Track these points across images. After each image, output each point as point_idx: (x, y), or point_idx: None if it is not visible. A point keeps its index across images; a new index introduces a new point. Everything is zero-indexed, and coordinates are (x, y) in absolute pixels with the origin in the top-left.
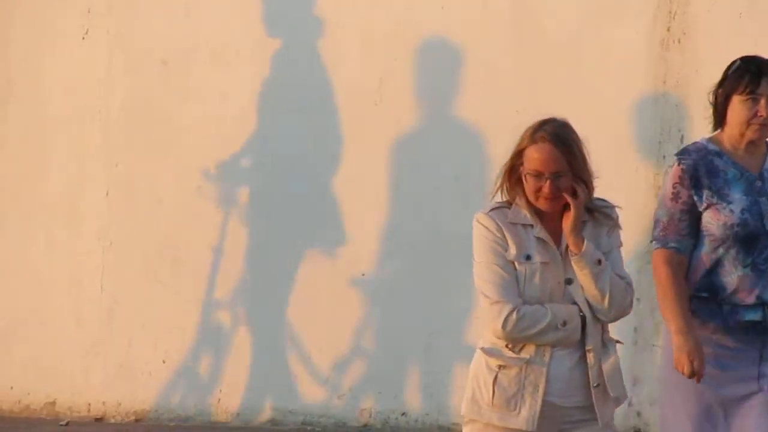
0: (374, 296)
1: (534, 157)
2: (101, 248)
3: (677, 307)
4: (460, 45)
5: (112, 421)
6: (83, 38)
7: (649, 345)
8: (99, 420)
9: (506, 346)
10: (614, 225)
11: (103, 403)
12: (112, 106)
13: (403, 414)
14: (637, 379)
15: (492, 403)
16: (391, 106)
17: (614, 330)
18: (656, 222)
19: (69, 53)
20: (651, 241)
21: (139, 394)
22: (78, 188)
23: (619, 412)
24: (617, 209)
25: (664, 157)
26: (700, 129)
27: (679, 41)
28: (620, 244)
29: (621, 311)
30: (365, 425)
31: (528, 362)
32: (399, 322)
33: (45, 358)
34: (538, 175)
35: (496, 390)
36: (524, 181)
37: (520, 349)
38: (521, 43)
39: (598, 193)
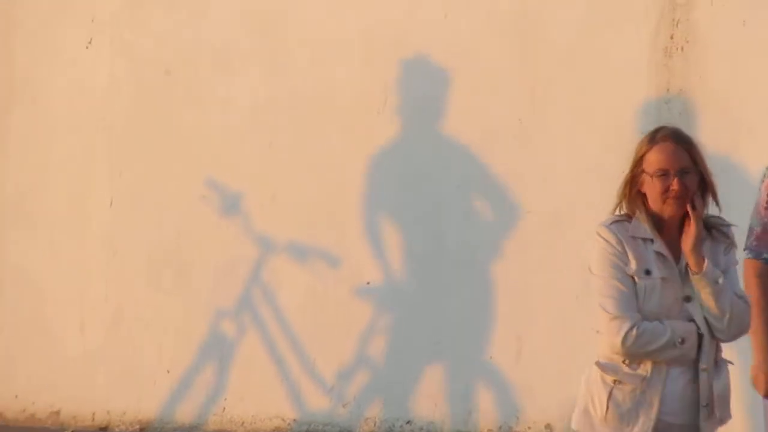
0: (379, 305)
1: (658, 158)
2: (106, 257)
3: (762, 324)
4: (463, 53)
5: (117, 430)
6: (87, 47)
7: None
8: (103, 429)
9: (623, 361)
10: (731, 243)
11: (108, 412)
12: (116, 115)
13: (408, 422)
14: None
15: (605, 418)
16: (393, 114)
17: None
18: (750, 230)
19: (73, 62)
20: (744, 249)
21: (144, 403)
22: (82, 197)
23: None
24: (733, 227)
25: None
26: (704, 137)
27: (682, 49)
28: (736, 263)
29: (740, 330)
30: None
31: (644, 379)
32: (404, 331)
33: (49, 367)
34: (665, 174)
35: (610, 405)
36: (648, 187)
37: (638, 366)
38: (524, 51)
39: (599, 200)
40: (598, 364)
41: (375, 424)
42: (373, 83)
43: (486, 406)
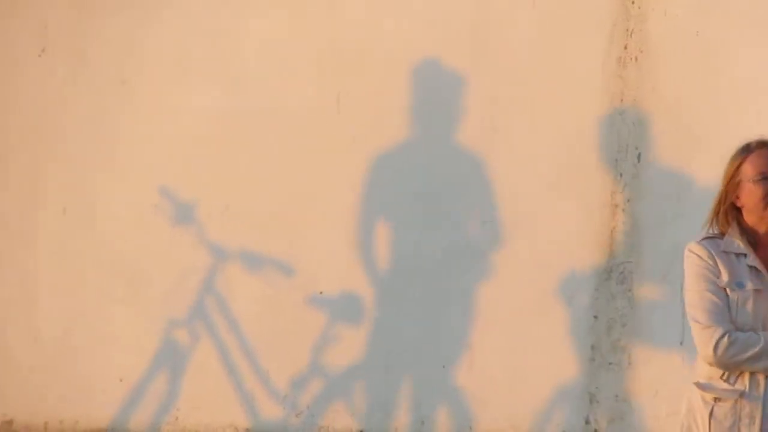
0: (332, 314)
1: (758, 162)
2: (58, 266)
3: None
4: (419, 64)
5: None
6: (39, 55)
7: (606, 363)
8: None
9: (721, 377)
10: None
11: (61, 421)
12: (70, 124)
13: (360, 431)
14: (593, 397)
15: None
16: (347, 124)
17: (567, 347)
18: None
19: (25, 70)
20: None
21: (97, 413)
22: (35, 206)
23: (576, 430)
24: None
25: (621, 174)
26: (657, 147)
27: (636, 59)
28: None
29: None
30: None
31: (743, 394)
32: (357, 340)
33: (2, 377)
34: (766, 178)
35: (712, 423)
36: (747, 195)
37: (735, 381)
38: (480, 59)
39: (554, 210)
40: (697, 384)
41: None
42: (327, 93)
43: (439, 416)
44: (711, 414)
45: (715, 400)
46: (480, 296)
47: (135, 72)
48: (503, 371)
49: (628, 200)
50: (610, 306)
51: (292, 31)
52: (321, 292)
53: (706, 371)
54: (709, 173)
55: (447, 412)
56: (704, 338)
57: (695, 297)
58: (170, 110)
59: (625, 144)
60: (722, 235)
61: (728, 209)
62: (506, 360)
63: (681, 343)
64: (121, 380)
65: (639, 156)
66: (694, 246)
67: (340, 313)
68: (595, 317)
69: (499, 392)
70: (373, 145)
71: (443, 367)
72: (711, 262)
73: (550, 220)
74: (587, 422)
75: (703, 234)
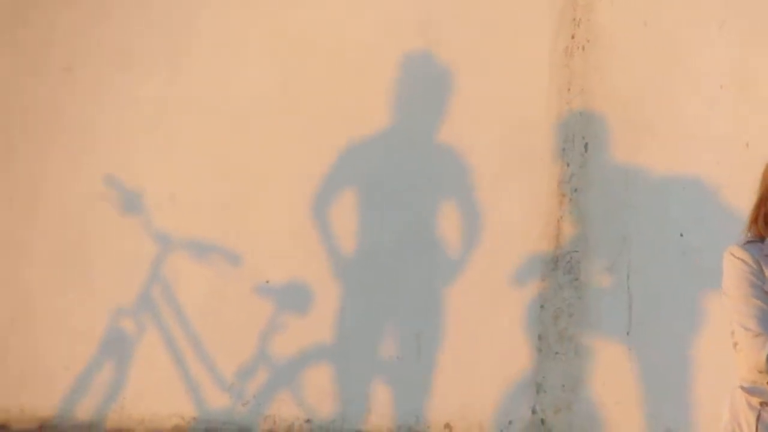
0: (279, 303)
1: None
2: (5, 254)
3: None
4: (365, 54)
5: (16, 428)
6: None
7: (553, 352)
8: (2, 428)
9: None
10: None
11: (6, 410)
12: (15, 112)
13: (307, 421)
14: (539, 386)
15: None
16: (293, 115)
17: (514, 337)
18: None
19: None
20: None
21: (43, 401)
22: None
23: (523, 420)
24: None
25: (567, 164)
26: (604, 137)
27: (583, 48)
28: None
29: None
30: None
31: None
32: (304, 330)
33: None
34: None
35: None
36: None
37: None
38: (427, 48)
39: (502, 200)
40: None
41: (274, 423)
42: (274, 84)
43: (386, 405)
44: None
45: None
46: (428, 286)
47: (80, 60)
48: (450, 361)
49: (575, 190)
50: (557, 296)
51: (238, 19)
52: (267, 281)
53: (751, 375)
54: (656, 163)
55: (394, 402)
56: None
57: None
58: (116, 98)
59: (572, 134)
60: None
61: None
62: (453, 350)
63: (628, 333)
64: (67, 369)
65: (586, 146)
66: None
67: (287, 303)
68: (542, 307)
69: (446, 382)
70: (321, 134)
71: (390, 356)
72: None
73: (498, 210)
74: (534, 412)
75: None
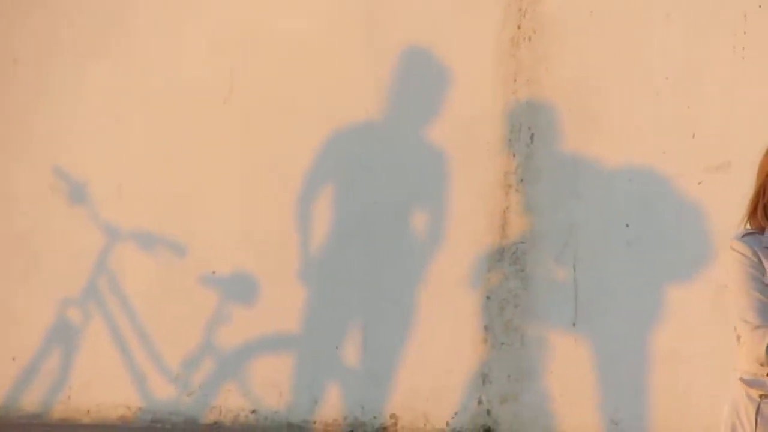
0: (225, 294)
1: None
2: None
3: None
4: (310, 44)
5: None
6: None
7: (499, 343)
8: None
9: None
10: None
11: None
12: None
13: (253, 412)
14: (485, 377)
15: None
16: (239, 104)
17: (460, 328)
18: None
19: None
20: None
21: None
22: None
23: (469, 411)
24: None
25: (514, 155)
26: (549, 127)
27: (529, 39)
28: None
29: None
30: (215, 423)
31: None
32: (250, 320)
33: None
34: None
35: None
36: None
37: None
38: (373, 42)
39: (450, 192)
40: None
41: (220, 413)
42: (220, 73)
43: (331, 395)
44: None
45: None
46: (373, 277)
47: (27, 51)
48: (396, 352)
49: (522, 181)
50: (503, 287)
51: (185, 9)
52: (213, 272)
53: (752, 367)
54: (603, 153)
55: (340, 393)
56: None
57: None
58: (64, 90)
59: (519, 124)
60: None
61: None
62: (399, 340)
63: (574, 324)
64: (14, 359)
65: (532, 136)
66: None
67: (233, 293)
68: (488, 298)
69: (392, 373)
70: (267, 126)
71: (336, 347)
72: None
73: (444, 201)
74: (480, 402)
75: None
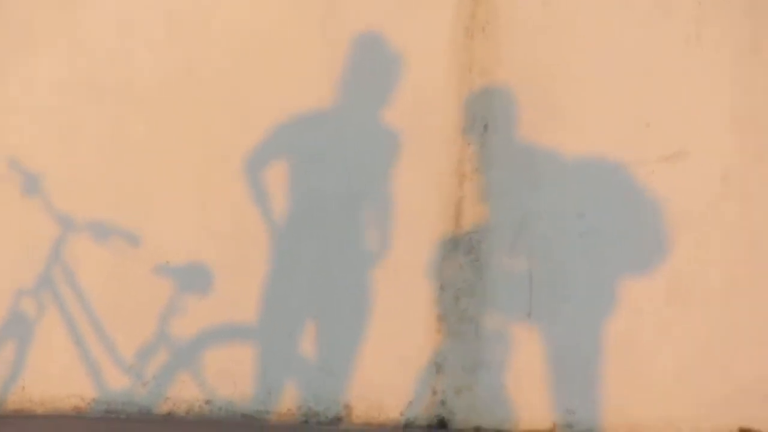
0: (179, 284)
1: None
2: None
3: None
4: (265, 33)
5: None
6: None
7: (453, 333)
8: None
9: None
10: None
11: None
12: None
13: (207, 402)
14: (440, 367)
15: None
16: (195, 94)
17: (414, 317)
18: None
19: None
20: None
21: None
22: None
23: (423, 401)
24: None
25: (468, 144)
26: (503, 117)
27: (483, 29)
28: None
29: None
30: (169, 413)
31: None
32: (204, 310)
33: None
34: None
35: None
36: None
37: None
38: (324, 31)
39: (401, 180)
40: None
41: (174, 404)
42: (176, 63)
43: (285, 385)
44: None
45: None
46: (326, 265)
47: None
48: (349, 341)
49: (476, 170)
50: (457, 276)
51: (137, 1)
52: (167, 262)
53: None
54: (557, 143)
55: (293, 383)
56: None
57: None
58: (16, 79)
59: (473, 114)
60: None
61: None
62: (352, 330)
63: (529, 315)
64: None
65: (486, 126)
66: None
67: (187, 283)
68: (442, 288)
69: (346, 363)
70: (223, 115)
71: (289, 336)
72: None
73: (398, 190)
74: (434, 393)
75: None
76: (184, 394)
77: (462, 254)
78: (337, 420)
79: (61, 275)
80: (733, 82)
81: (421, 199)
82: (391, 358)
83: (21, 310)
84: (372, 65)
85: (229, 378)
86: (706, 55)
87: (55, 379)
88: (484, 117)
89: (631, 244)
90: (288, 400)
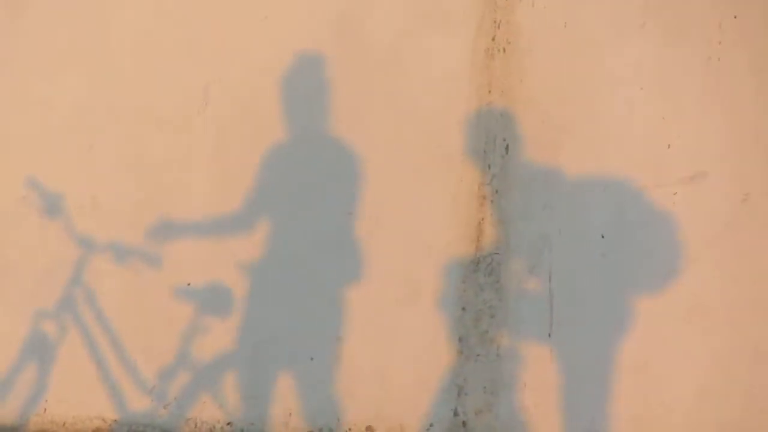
0: (201, 306)
1: None
2: None
3: None
4: (283, 55)
5: None
6: None
7: (474, 354)
8: None
9: None
10: None
11: None
12: None
13: (228, 424)
14: (461, 388)
15: None
16: (214, 115)
17: (435, 339)
18: None
19: None
20: None
21: None
22: None
23: (444, 422)
24: None
25: (489, 166)
26: (524, 139)
27: (504, 50)
28: None
29: None
30: None
31: None
32: (225, 332)
33: None
34: None
35: None
36: None
37: None
38: (345, 53)
39: (422, 202)
40: None
41: (196, 425)
42: (194, 85)
43: (307, 407)
44: None
45: None
46: (348, 288)
47: (3, 61)
48: (371, 363)
49: (496, 192)
50: (478, 298)
51: (161, 20)
52: (189, 284)
53: None
54: (578, 164)
55: (315, 405)
56: None
57: None
58: (36, 100)
59: (493, 135)
60: None
61: None
62: (374, 352)
63: (549, 335)
64: None
65: (507, 147)
66: None
67: (208, 305)
68: (463, 309)
69: (367, 384)
70: (240, 138)
71: (311, 359)
72: None
73: (418, 212)
74: (455, 414)
75: None
76: (206, 416)
77: (482, 275)
78: None
79: (82, 296)
80: (754, 102)
81: (441, 220)
82: (412, 380)
83: (43, 331)
84: (392, 86)
85: (251, 400)
86: (727, 75)
87: (76, 400)
88: (505, 138)
89: (651, 265)
90: (309, 422)
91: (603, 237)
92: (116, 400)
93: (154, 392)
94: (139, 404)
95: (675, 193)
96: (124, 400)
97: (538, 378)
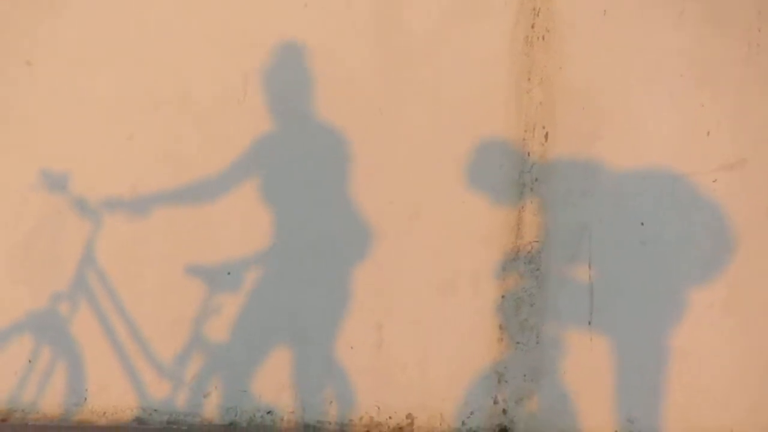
0: (239, 294)
1: None
2: None
3: None
4: (323, 43)
5: None
6: None
7: (514, 343)
8: None
9: None
10: None
11: None
12: None
13: (268, 412)
14: (501, 376)
15: None
16: (254, 105)
17: (476, 327)
18: None
19: None
20: None
21: (3, 395)
22: None
23: (484, 410)
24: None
25: (528, 154)
26: (563, 126)
27: (543, 38)
28: None
29: None
30: (231, 424)
31: None
32: (265, 322)
33: None
34: None
35: None
36: None
37: None
38: (383, 42)
39: (462, 190)
40: None
41: (236, 415)
42: (233, 74)
43: (347, 396)
44: None
45: None
46: (389, 277)
47: (45, 55)
48: (412, 352)
49: (536, 180)
50: (518, 286)
51: (195, 12)
52: (228, 273)
53: None
54: (615, 152)
55: (355, 393)
56: None
57: None
58: (76, 92)
59: (533, 123)
60: None
61: None
62: (414, 340)
63: (589, 323)
64: (30, 361)
65: (546, 135)
66: None
67: (248, 295)
68: (503, 297)
69: (408, 373)
70: (278, 127)
71: (351, 347)
72: None
73: (457, 200)
74: (495, 402)
75: None
76: (245, 405)
77: (523, 264)
78: (399, 429)
79: (124, 289)
80: None
81: (482, 209)
82: (452, 368)
83: (86, 324)
84: (431, 75)
85: (291, 388)
86: (767, 62)
87: (116, 390)
88: (544, 126)
89: (691, 253)
90: (350, 411)
91: (642, 225)
92: (156, 389)
93: (193, 383)
94: (179, 394)
95: (714, 181)
96: (164, 389)
97: (578, 366)
